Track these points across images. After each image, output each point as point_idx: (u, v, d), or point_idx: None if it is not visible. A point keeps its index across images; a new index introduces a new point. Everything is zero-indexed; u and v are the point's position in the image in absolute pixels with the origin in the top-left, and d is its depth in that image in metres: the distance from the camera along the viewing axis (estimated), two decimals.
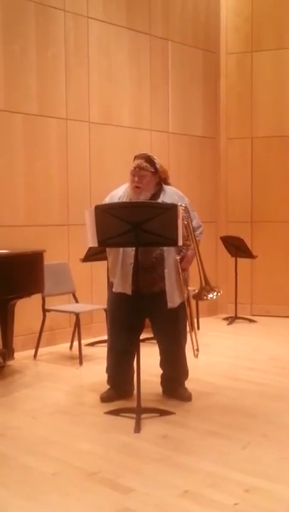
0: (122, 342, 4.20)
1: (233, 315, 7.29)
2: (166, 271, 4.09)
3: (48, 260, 5.28)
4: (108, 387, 4.33)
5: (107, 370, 4.36)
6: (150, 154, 4.19)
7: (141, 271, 3.94)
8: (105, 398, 4.25)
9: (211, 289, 4.13)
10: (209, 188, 7.69)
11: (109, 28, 6.47)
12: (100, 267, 5.82)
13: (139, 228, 3.74)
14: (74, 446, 3.50)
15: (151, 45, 6.93)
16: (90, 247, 5.05)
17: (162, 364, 4.36)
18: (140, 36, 6.80)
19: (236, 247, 7.13)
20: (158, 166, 4.13)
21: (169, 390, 4.36)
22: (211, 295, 4.14)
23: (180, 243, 3.82)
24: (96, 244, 3.92)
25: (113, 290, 4.22)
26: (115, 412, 3.98)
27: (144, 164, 4.06)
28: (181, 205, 3.92)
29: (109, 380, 4.34)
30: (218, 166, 7.79)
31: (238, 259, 7.20)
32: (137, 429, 3.69)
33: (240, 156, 7.74)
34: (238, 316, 7.27)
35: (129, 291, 4.09)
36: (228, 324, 7.18)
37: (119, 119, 6.63)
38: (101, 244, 3.93)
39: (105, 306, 5.59)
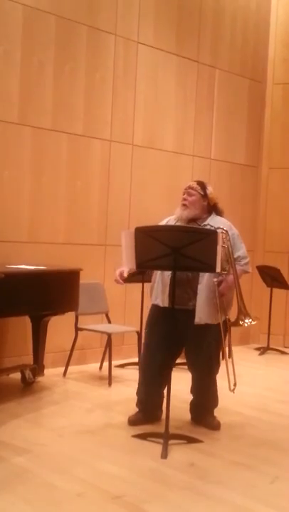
0: (157, 362, 4.16)
1: (266, 345, 7.19)
2: (199, 286, 4.11)
3: (84, 279, 5.30)
4: (137, 410, 4.30)
5: (138, 392, 4.33)
6: (206, 182, 4.38)
7: (176, 285, 3.94)
8: (133, 421, 4.21)
9: (248, 315, 4.12)
10: (248, 216, 7.65)
11: (158, 53, 6.56)
12: (134, 289, 5.82)
13: (178, 252, 3.75)
14: (99, 468, 3.47)
15: (198, 72, 6.99)
16: None
17: (193, 390, 4.33)
18: (188, 63, 6.87)
19: (272, 277, 7.06)
20: (208, 192, 4.28)
21: (198, 417, 4.31)
22: (247, 320, 4.13)
23: (218, 270, 3.81)
24: (133, 266, 3.94)
25: (152, 302, 4.29)
26: (143, 436, 3.94)
27: (195, 186, 4.29)
28: (222, 230, 3.98)
29: (139, 403, 4.31)
30: (258, 195, 7.77)
31: (274, 290, 7.13)
32: (164, 454, 3.65)
33: (281, 185, 7.71)
34: (271, 347, 7.17)
35: (165, 302, 4.12)
36: (260, 355, 7.09)
37: (163, 143, 6.68)
38: (139, 266, 3.94)
39: (137, 329, 5.62)
